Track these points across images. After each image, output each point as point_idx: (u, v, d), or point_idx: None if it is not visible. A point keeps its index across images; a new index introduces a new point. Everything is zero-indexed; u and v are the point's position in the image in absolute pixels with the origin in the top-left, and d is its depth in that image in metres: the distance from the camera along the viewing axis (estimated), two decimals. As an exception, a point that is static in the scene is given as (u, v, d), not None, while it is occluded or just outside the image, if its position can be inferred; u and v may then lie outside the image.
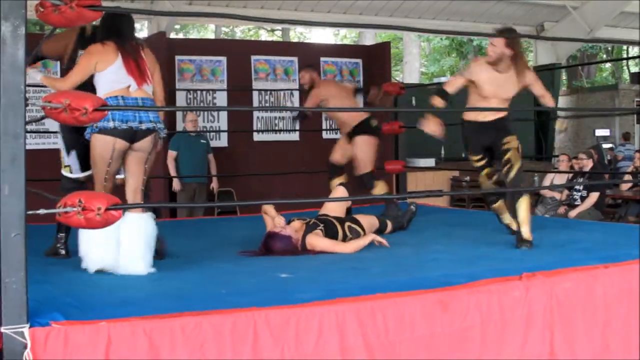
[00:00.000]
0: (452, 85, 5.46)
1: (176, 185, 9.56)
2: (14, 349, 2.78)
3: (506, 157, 5.33)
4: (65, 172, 4.99)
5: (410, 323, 3.46)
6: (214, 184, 9.91)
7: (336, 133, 11.64)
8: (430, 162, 12.82)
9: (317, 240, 5.15)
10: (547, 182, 10.27)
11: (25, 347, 2.79)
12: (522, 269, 4.02)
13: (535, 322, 3.79)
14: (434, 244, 5.40)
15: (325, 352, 3.28)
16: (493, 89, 5.35)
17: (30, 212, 2.89)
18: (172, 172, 9.50)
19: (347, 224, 5.44)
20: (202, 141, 9.87)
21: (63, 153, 4.99)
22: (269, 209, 5.52)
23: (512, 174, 5.30)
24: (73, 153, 4.91)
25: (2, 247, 2.79)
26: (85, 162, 4.79)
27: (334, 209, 5.84)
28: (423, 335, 3.48)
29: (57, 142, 5.21)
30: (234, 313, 3.20)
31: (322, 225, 5.29)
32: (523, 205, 5.24)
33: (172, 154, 9.61)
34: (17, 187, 2.82)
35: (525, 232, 5.15)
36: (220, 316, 3.17)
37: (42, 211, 3.12)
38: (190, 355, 3.06)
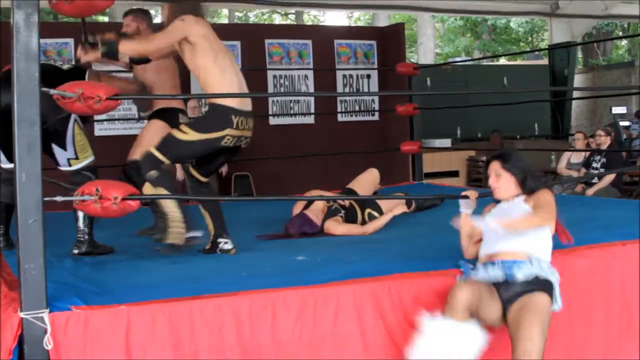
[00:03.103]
0: None
1: (179, 174, 9.45)
2: (34, 334, 2.81)
3: None
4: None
5: (427, 303, 3.46)
6: (223, 168, 9.88)
7: (351, 116, 11.68)
8: (446, 142, 12.77)
9: (336, 227, 5.19)
10: (563, 160, 10.22)
11: (45, 332, 2.82)
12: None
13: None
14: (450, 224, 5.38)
15: (343, 333, 3.30)
16: None
17: (47, 199, 2.91)
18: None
19: (368, 210, 5.43)
20: None
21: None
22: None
23: None
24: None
25: (20, 234, 2.82)
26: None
27: (362, 184, 5.86)
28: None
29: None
30: (252, 295, 3.23)
31: (343, 212, 5.32)
32: None
33: None
34: (34, 174, 2.84)
35: None
36: (238, 298, 3.19)
37: (59, 198, 3.15)
38: (209, 337, 3.09)
